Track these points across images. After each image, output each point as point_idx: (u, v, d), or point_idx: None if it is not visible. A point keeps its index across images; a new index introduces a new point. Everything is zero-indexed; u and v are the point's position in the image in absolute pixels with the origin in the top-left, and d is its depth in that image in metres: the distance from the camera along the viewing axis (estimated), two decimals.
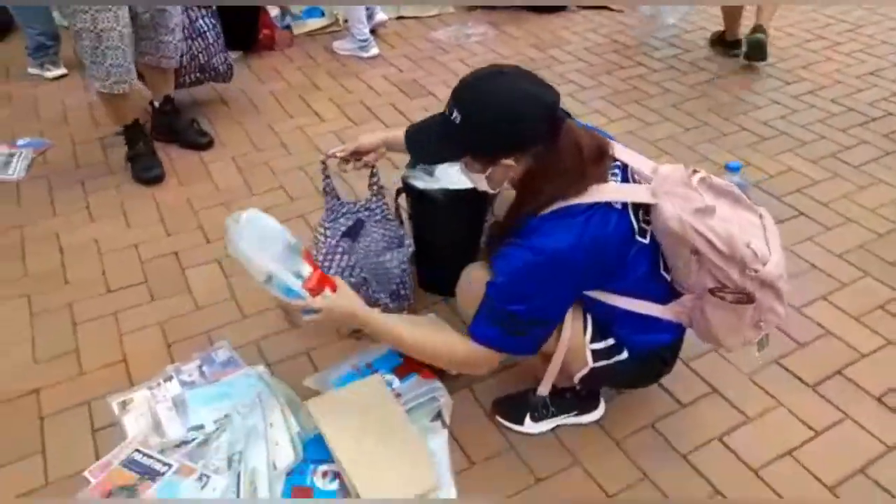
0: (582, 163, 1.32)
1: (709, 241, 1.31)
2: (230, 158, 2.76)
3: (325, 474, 1.51)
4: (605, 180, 1.35)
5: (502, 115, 1.27)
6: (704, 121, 2.96)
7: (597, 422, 1.68)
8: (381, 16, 3.77)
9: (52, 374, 1.85)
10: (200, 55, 2.83)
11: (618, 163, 1.40)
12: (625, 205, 1.36)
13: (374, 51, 3.57)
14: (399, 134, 1.55)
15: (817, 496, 1.52)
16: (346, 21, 3.70)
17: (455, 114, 1.30)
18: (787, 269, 1.37)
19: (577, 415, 1.67)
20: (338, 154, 1.74)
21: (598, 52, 3.62)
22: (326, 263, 1.82)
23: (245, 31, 3.51)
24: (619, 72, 3.41)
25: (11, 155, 2.74)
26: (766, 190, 2.49)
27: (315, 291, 1.38)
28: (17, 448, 1.66)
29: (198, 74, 2.89)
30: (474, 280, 1.49)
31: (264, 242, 1.39)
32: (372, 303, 1.75)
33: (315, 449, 1.55)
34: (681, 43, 3.70)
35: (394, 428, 1.58)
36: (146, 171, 2.60)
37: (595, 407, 1.69)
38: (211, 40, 2.84)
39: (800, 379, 1.79)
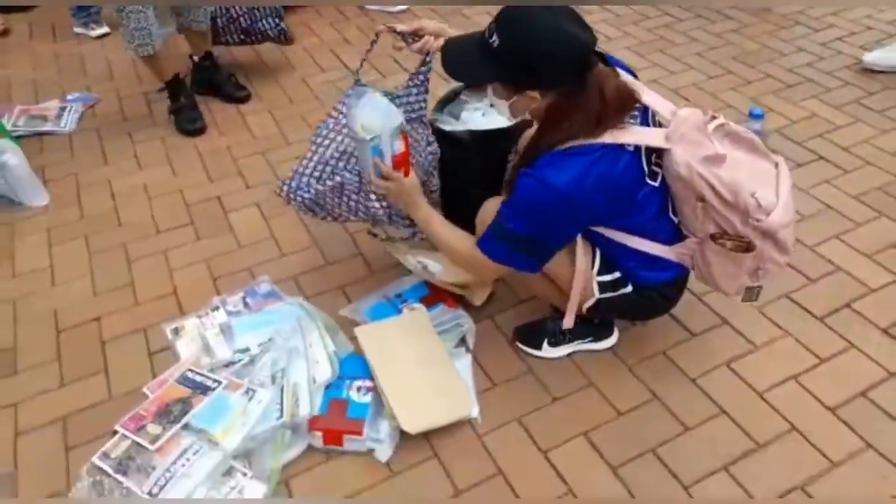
0: (603, 110, 1.36)
1: (714, 189, 1.37)
2: (266, 111, 2.89)
3: (359, 388, 1.66)
4: (622, 125, 1.40)
5: (537, 51, 1.32)
6: (728, 69, 2.98)
7: (610, 349, 1.80)
8: None
9: (110, 305, 2.03)
10: (241, 18, 2.87)
11: (639, 106, 1.44)
12: (637, 147, 1.42)
13: (403, 5, 3.64)
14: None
15: (818, 416, 1.62)
16: None
17: (494, 38, 1.34)
18: (802, 210, 1.44)
19: (592, 341, 1.79)
20: (397, 28, 1.69)
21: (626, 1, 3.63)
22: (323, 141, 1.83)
23: None
24: (646, 22, 3.42)
25: (63, 109, 2.91)
26: (787, 136, 2.53)
27: (396, 166, 1.59)
28: (83, 367, 1.85)
29: (242, 36, 2.94)
30: (490, 210, 1.57)
31: (377, 112, 1.57)
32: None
33: (350, 366, 1.70)
34: None
35: (435, 359, 1.71)
36: (189, 123, 2.74)
37: (609, 335, 1.80)
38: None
39: (808, 311, 1.87)
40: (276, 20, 2.92)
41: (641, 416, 1.65)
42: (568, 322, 1.66)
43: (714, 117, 1.43)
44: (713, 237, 1.46)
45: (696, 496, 1.48)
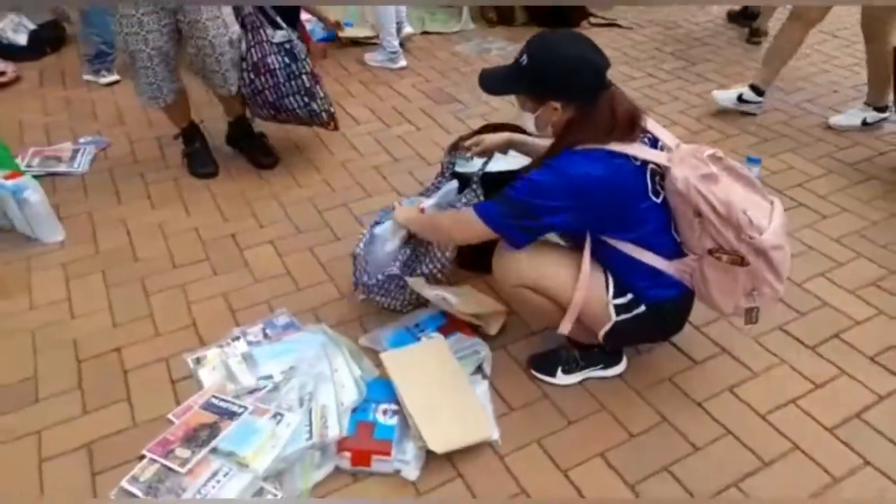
0: (613, 124, 1.57)
1: (709, 203, 1.52)
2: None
3: (384, 411, 1.72)
4: (631, 141, 1.59)
5: (560, 65, 1.56)
6: (710, 125, 3.21)
7: (619, 375, 1.89)
8: (408, 29, 4.03)
9: (130, 336, 2.07)
10: (267, 91, 2.66)
11: (649, 134, 1.65)
12: (644, 164, 1.60)
13: (403, 62, 3.84)
14: (518, 137, 2.00)
15: (818, 436, 1.72)
16: (376, 36, 3.97)
17: (524, 57, 1.59)
18: (790, 249, 1.58)
19: (602, 368, 1.88)
20: (466, 144, 2.09)
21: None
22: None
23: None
24: (631, 82, 3.66)
25: (76, 150, 2.99)
26: (767, 183, 2.72)
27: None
28: (105, 395, 1.87)
29: (271, 111, 2.74)
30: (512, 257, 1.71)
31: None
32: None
33: (375, 390, 1.77)
34: (689, 57, 3.96)
35: (456, 383, 1.79)
36: (201, 167, 2.84)
37: (618, 362, 1.90)
38: (281, 79, 2.62)
39: (800, 342, 2.00)
40: (305, 100, 2.68)
41: (653, 438, 1.73)
42: (563, 329, 1.71)
43: (714, 151, 1.60)
44: (710, 252, 1.59)
45: None
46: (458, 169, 2.17)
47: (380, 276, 1.99)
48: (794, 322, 2.07)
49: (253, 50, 2.62)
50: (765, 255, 1.54)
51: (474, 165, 2.18)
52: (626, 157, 1.58)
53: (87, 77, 3.64)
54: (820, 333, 2.03)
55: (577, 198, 1.56)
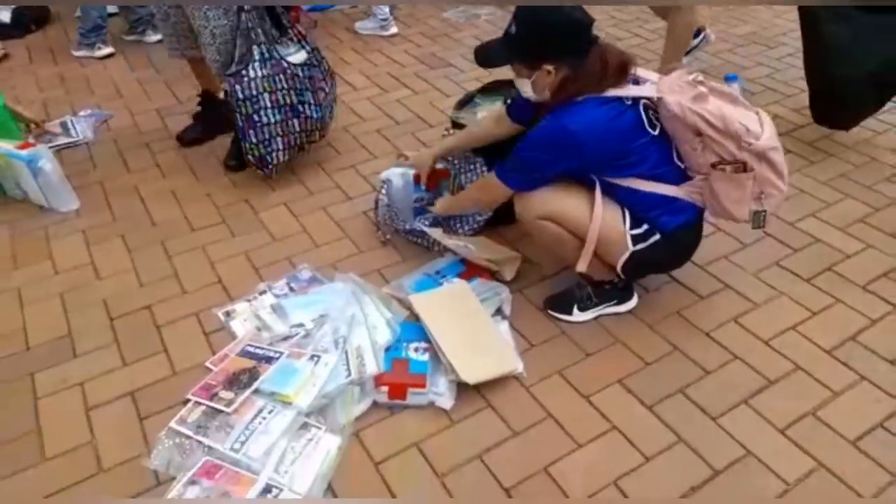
0: (605, 74, 1.67)
1: (706, 120, 1.63)
2: None
3: (416, 349, 1.82)
4: (620, 86, 1.69)
5: (549, 28, 1.65)
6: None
7: (631, 311, 2.01)
8: None
9: (159, 294, 2.13)
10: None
11: (631, 76, 1.73)
12: (635, 101, 1.70)
13: (394, 29, 3.89)
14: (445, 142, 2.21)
15: (817, 356, 1.86)
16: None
17: (513, 27, 1.68)
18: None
19: (616, 304, 2.00)
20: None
21: (599, 26, 3.95)
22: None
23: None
24: (618, 43, 3.75)
25: (75, 122, 3.01)
26: None
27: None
28: (142, 349, 1.94)
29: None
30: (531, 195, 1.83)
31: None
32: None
33: (406, 330, 1.87)
34: None
35: (481, 322, 1.89)
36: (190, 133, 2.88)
37: (630, 298, 2.01)
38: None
39: (797, 275, 2.14)
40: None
41: (666, 364, 1.86)
42: (581, 266, 1.83)
43: (693, 73, 1.72)
44: (714, 166, 1.70)
45: (725, 425, 1.68)
46: (463, 122, 2.26)
47: (417, 227, 2.20)
48: (790, 258, 2.20)
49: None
50: (765, 158, 1.67)
51: (478, 120, 2.27)
52: (617, 99, 1.68)
53: (78, 53, 3.63)
54: (814, 267, 2.16)
55: (576, 147, 1.67)
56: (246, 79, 2.34)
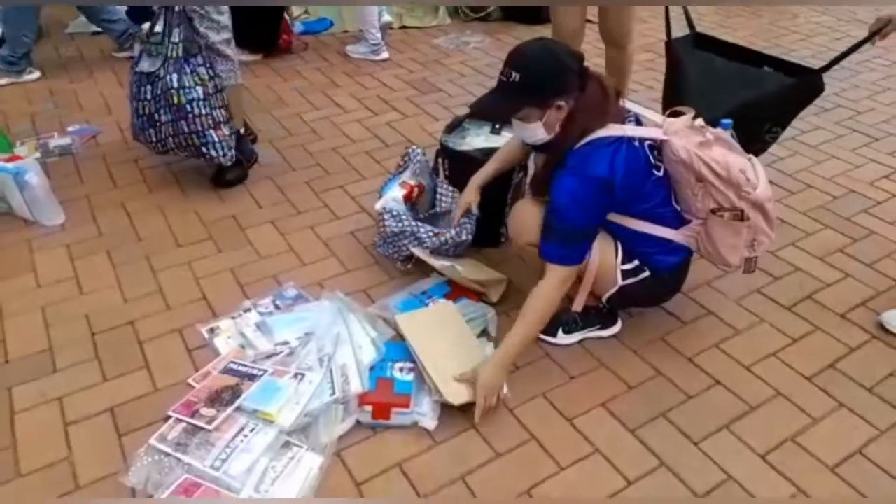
0: (606, 99, 1.70)
1: (710, 168, 1.68)
2: (267, 140, 3.07)
3: (401, 369, 1.82)
4: (622, 121, 1.72)
5: (551, 66, 1.66)
6: None
7: (615, 335, 2.03)
8: (386, 17, 4.12)
9: (142, 309, 2.11)
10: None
11: (632, 113, 1.78)
12: (641, 141, 1.72)
13: (385, 54, 3.94)
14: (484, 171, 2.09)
15: (798, 383, 1.88)
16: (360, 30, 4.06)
17: (514, 75, 1.65)
18: None
19: (600, 328, 2.01)
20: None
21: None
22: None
23: (267, 35, 3.87)
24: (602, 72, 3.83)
25: (63, 137, 3.01)
26: None
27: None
28: (124, 364, 1.92)
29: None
30: (527, 211, 1.86)
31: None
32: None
33: (392, 350, 1.87)
34: (656, 48, 4.15)
35: (467, 343, 1.90)
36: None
37: (614, 323, 2.03)
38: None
39: (777, 303, 2.17)
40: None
41: (649, 389, 1.87)
42: (577, 306, 1.88)
43: (695, 119, 1.75)
44: (714, 211, 1.74)
45: (706, 450, 1.69)
46: (456, 147, 2.29)
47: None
48: (771, 286, 2.24)
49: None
50: (761, 208, 1.72)
51: (465, 144, 2.31)
52: (627, 139, 1.69)
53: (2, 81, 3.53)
54: (794, 295, 2.20)
55: (605, 194, 1.68)
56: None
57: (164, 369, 1.91)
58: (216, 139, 2.49)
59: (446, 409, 1.75)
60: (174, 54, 2.37)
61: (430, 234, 2.15)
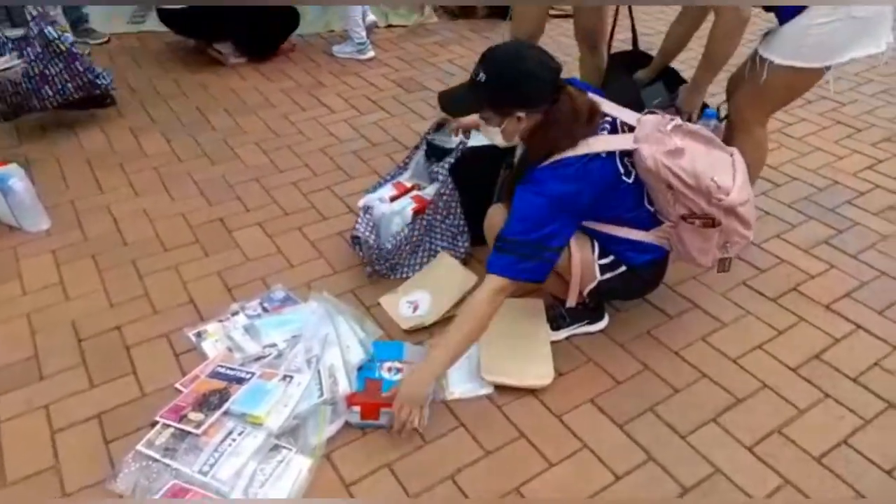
0: (575, 121, 1.64)
1: (678, 177, 1.64)
2: (254, 143, 3.06)
3: (389, 369, 1.82)
4: (594, 135, 1.68)
5: (518, 76, 1.61)
6: None
7: (603, 331, 2.04)
8: (371, 17, 4.12)
9: (129, 314, 2.11)
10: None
11: (608, 118, 1.73)
12: (611, 152, 1.69)
13: (371, 53, 3.93)
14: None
15: (783, 375, 1.90)
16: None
17: (481, 74, 1.62)
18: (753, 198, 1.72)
19: (587, 323, 2.02)
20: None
21: (567, 51, 4.03)
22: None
23: (270, 44, 3.95)
24: None
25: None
26: None
27: None
28: (110, 370, 1.92)
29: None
30: (496, 215, 1.87)
31: None
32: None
33: (381, 350, 1.87)
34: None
35: (534, 326, 1.96)
36: None
37: (601, 318, 2.04)
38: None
39: (763, 294, 2.18)
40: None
41: (637, 383, 1.88)
42: (571, 301, 1.87)
43: (672, 119, 1.72)
44: (684, 218, 1.72)
45: (694, 443, 1.71)
46: (438, 144, 2.30)
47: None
48: (756, 278, 2.25)
49: None
50: (734, 213, 1.68)
51: (453, 142, 2.31)
52: (594, 155, 1.65)
53: None
54: (779, 287, 2.21)
55: (567, 212, 1.65)
56: None
57: (152, 374, 1.90)
58: (100, 70, 2.99)
59: (435, 408, 1.76)
60: (30, 15, 2.76)
61: (388, 260, 2.19)
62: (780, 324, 2.07)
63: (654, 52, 2.50)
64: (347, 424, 1.74)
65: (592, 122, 1.68)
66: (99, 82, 2.97)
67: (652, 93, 2.35)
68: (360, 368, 1.81)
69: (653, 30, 4.12)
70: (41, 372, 1.91)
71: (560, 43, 4.07)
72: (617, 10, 2.72)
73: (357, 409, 1.72)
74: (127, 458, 1.64)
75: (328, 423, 1.72)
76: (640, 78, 2.44)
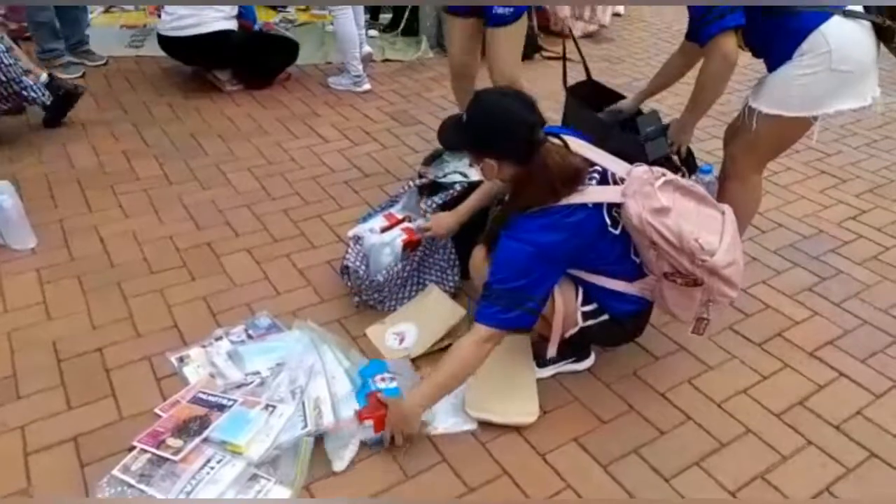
0: (552, 184, 1.63)
1: (662, 235, 1.64)
2: (246, 169, 3.07)
3: (382, 379, 1.86)
4: (581, 182, 1.67)
5: (494, 124, 1.64)
6: None
7: (589, 370, 2.03)
8: (366, 48, 4.18)
9: (111, 337, 2.08)
10: None
11: (597, 167, 1.74)
12: (598, 204, 1.70)
13: (367, 86, 3.98)
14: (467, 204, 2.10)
15: (767, 420, 1.90)
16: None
17: (465, 115, 1.69)
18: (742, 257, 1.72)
19: (574, 361, 2.02)
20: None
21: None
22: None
23: (270, 74, 4.00)
24: None
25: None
26: None
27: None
28: (89, 392, 1.88)
29: None
30: (479, 255, 1.92)
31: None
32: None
33: (365, 370, 1.90)
34: (634, 89, 4.24)
35: (520, 363, 1.97)
36: None
37: (587, 356, 2.04)
38: None
39: (748, 339, 2.20)
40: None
41: (622, 424, 1.87)
42: (551, 352, 1.87)
43: (663, 174, 1.73)
44: (666, 275, 1.72)
45: (677, 487, 1.69)
46: (438, 179, 2.31)
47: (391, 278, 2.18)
48: (742, 322, 2.27)
49: None
50: (718, 274, 1.67)
51: (448, 177, 2.33)
52: (581, 206, 1.66)
53: None
54: (765, 332, 2.23)
55: (551, 261, 1.66)
56: None
57: (131, 398, 1.87)
58: (30, 82, 3.04)
59: (418, 442, 1.74)
60: None
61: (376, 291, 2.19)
62: (766, 369, 2.08)
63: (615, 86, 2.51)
64: (364, 444, 1.73)
65: (573, 183, 1.66)
66: (26, 95, 3.04)
67: (647, 120, 2.35)
68: (357, 392, 1.82)
69: (643, 75, 4.21)
70: (18, 392, 1.88)
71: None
72: (564, 44, 2.75)
73: (370, 422, 1.70)
74: (101, 483, 1.60)
75: (311, 454, 1.69)
76: (628, 105, 2.46)
